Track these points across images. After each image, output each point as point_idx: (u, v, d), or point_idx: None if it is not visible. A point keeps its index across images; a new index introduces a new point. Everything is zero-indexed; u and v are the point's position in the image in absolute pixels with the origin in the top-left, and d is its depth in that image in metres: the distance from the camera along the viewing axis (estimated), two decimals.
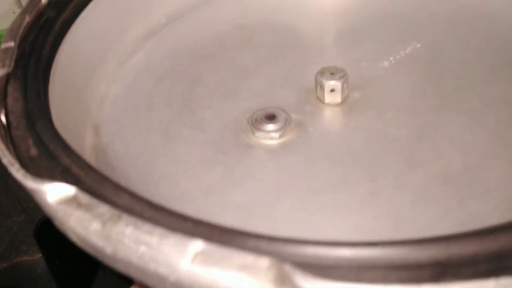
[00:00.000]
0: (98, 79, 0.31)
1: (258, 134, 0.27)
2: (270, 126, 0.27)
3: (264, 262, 0.14)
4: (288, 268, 0.13)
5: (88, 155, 0.27)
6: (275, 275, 0.13)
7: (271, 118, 0.28)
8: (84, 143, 0.27)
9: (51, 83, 0.25)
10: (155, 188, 0.26)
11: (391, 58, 0.30)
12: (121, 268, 0.16)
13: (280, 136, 0.27)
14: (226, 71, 0.32)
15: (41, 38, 0.26)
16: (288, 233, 0.23)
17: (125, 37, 0.33)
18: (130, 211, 0.16)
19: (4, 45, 0.24)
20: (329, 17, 0.34)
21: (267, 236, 0.15)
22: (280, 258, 0.14)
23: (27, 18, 0.26)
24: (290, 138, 0.27)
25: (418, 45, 0.31)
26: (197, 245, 0.14)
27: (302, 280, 0.13)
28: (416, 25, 0.32)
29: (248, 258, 0.14)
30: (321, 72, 0.28)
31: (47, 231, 0.43)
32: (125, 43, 0.33)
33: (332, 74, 0.28)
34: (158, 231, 0.15)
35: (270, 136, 0.27)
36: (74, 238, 0.17)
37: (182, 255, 0.14)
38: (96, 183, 0.18)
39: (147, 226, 0.15)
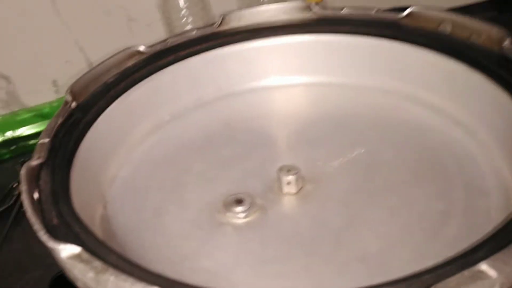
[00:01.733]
0: (110, 165, 0.39)
1: (228, 214, 0.35)
2: (238, 208, 0.35)
3: None
4: None
5: (97, 223, 0.35)
6: None
7: (239, 202, 0.35)
8: (95, 214, 0.35)
9: (73, 169, 0.34)
10: (144, 254, 0.33)
11: (340, 159, 0.38)
12: None
13: (245, 217, 0.35)
14: (210, 162, 0.40)
15: (68, 135, 0.35)
16: None
17: (134, 132, 0.42)
18: (115, 266, 0.24)
19: (41, 141, 0.33)
20: (296, 124, 0.43)
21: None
22: None
23: (60, 120, 0.35)
24: (253, 219, 0.35)
25: (362, 151, 0.39)
26: None
27: None
28: (364, 134, 0.40)
29: None
30: (280, 169, 0.36)
31: (60, 285, 0.51)
32: (134, 137, 0.42)
33: (289, 171, 0.36)
34: (130, 279, 0.23)
35: (237, 216, 0.35)
36: (77, 283, 0.24)
37: None
38: (95, 247, 0.26)
39: (123, 276, 0.23)
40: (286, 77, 0.46)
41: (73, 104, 0.37)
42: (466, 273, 0.21)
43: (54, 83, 0.70)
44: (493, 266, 0.21)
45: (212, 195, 0.37)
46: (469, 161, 0.36)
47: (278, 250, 0.32)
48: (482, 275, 0.21)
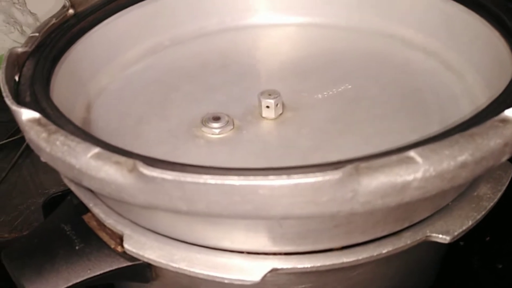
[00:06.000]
0: (100, 77, 0.40)
1: (204, 129, 0.36)
2: (214, 125, 0.36)
3: (129, 160, 0.22)
4: (137, 162, 0.21)
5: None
6: (132, 166, 0.21)
7: (216, 119, 0.36)
8: (74, 115, 0.36)
9: (59, 66, 0.35)
10: None
11: (325, 93, 0.38)
12: (53, 163, 0.24)
13: (219, 133, 0.35)
14: (199, 86, 0.41)
15: (60, 35, 0.36)
16: None
17: (130, 51, 0.43)
18: (68, 131, 0.25)
19: (31, 34, 0.34)
20: (288, 59, 0.43)
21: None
22: (138, 159, 0.22)
23: (54, 21, 0.36)
24: (227, 135, 0.35)
25: (349, 87, 0.39)
26: (95, 149, 0.23)
27: (142, 168, 0.21)
28: (353, 72, 0.40)
29: (121, 158, 0.22)
30: (262, 93, 0.37)
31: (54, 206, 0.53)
32: (129, 55, 0.43)
33: (269, 95, 0.37)
34: (76, 139, 0.24)
35: (212, 131, 0.36)
36: (31, 145, 0.25)
37: (86, 153, 0.23)
38: (56, 117, 0.27)
39: (71, 137, 0.24)
40: (285, 16, 0.46)
41: (71, 11, 0.39)
42: (394, 157, 0.21)
43: None
44: (421, 154, 0.21)
45: (193, 113, 0.38)
46: (451, 102, 0.36)
47: (243, 163, 0.33)
48: (408, 160, 0.20)
